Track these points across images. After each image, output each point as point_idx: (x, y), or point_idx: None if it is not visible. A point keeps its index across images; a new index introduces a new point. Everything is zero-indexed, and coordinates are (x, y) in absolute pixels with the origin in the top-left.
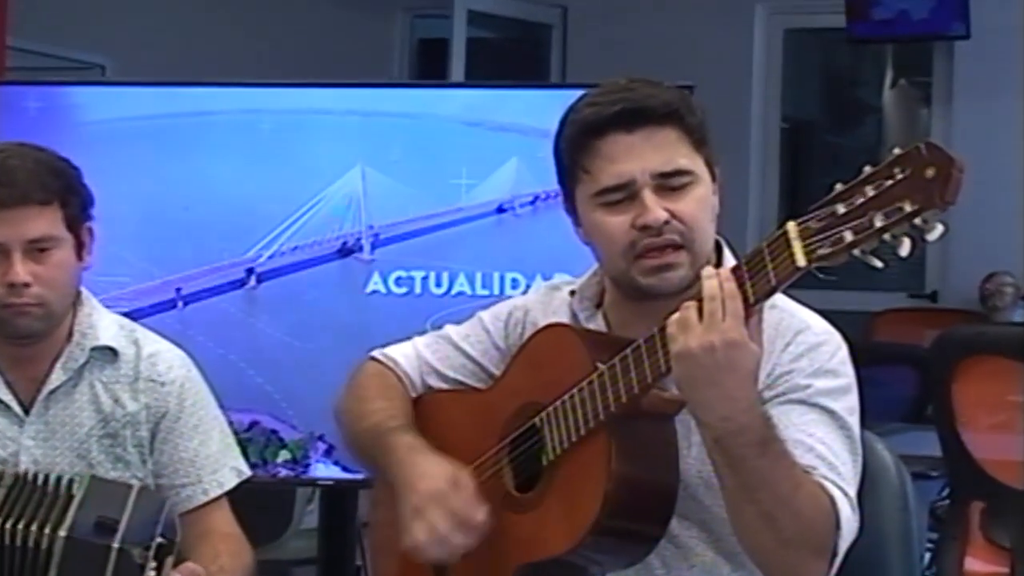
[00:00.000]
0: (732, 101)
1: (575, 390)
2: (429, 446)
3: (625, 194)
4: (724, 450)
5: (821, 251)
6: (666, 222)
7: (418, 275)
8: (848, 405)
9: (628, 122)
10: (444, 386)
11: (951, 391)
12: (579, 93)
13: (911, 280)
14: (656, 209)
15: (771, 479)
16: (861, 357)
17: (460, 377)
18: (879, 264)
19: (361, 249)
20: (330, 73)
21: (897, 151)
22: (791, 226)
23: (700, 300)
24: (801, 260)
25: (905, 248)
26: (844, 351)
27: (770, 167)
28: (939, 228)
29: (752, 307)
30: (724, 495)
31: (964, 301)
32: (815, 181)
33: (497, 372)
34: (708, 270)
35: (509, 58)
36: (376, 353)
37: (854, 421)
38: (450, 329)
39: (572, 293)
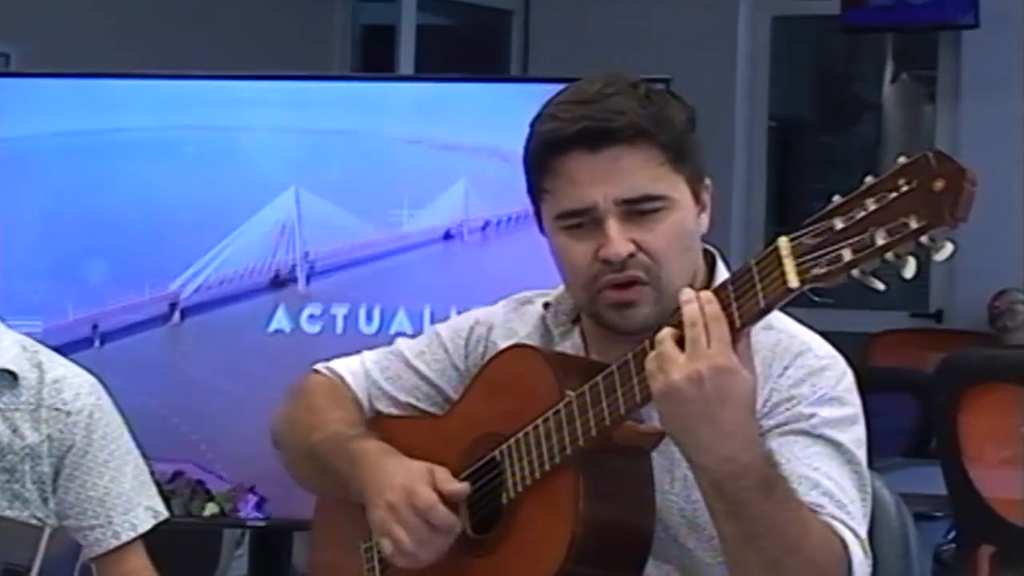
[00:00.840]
0: (713, 97)
1: (540, 421)
2: (397, 451)
3: (587, 219)
4: (724, 495)
5: (816, 271)
6: (631, 255)
7: (340, 311)
8: (856, 437)
9: (591, 141)
10: (394, 411)
11: (957, 422)
12: (542, 88)
13: (913, 298)
14: (618, 241)
15: (777, 524)
16: (858, 384)
17: (413, 401)
18: (880, 286)
19: (296, 280)
20: (262, 64)
21: (902, 160)
22: (783, 242)
23: (678, 326)
24: (794, 281)
25: (910, 269)
26: (850, 377)
27: (756, 171)
28: (948, 247)
29: (739, 331)
30: (723, 543)
31: (972, 321)
32: (806, 187)
33: (455, 395)
34: (686, 292)
35: (464, 48)
36: (320, 366)
37: (862, 455)
38: (403, 345)
39: (547, 306)
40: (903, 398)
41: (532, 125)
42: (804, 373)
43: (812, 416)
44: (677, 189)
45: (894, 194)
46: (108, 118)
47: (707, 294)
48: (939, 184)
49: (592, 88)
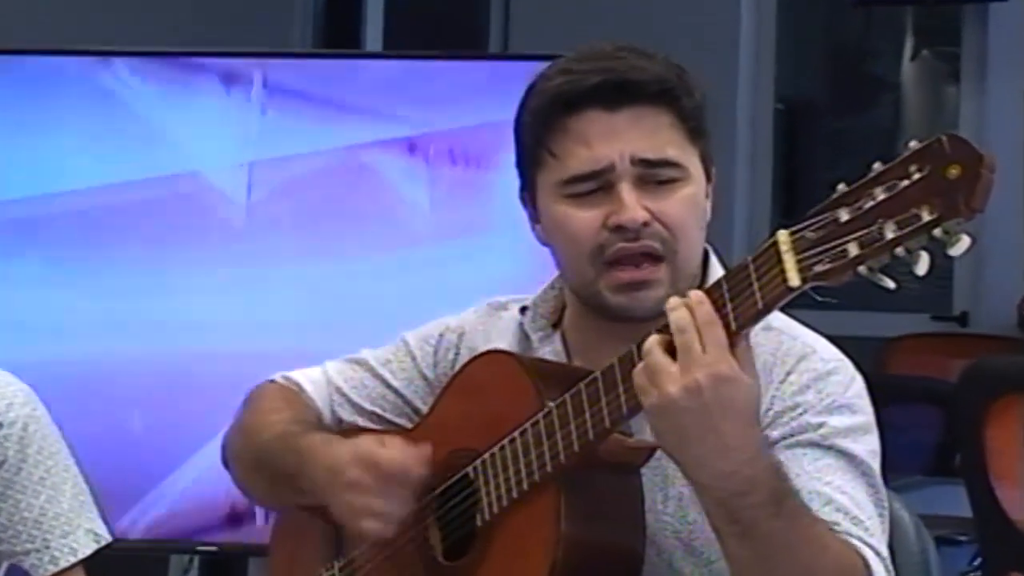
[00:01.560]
0: (714, 77)
1: (517, 434)
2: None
3: (598, 184)
4: (730, 514)
5: (819, 268)
6: (645, 224)
7: None
8: (870, 448)
9: (610, 98)
10: (359, 421)
11: (984, 436)
12: (524, 67)
13: (934, 299)
14: (634, 206)
15: (790, 543)
16: (873, 394)
17: (378, 411)
18: (891, 284)
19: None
20: (215, 41)
21: (914, 144)
22: (782, 236)
23: (666, 331)
24: (794, 279)
25: (922, 265)
26: (860, 383)
27: (761, 159)
28: (965, 241)
29: (736, 334)
30: (731, 566)
31: (1000, 325)
32: (817, 176)
33: (423, 407)
34: (672, 301)
35: (438, 23)
36: (276, 376)
37: (877, 467)
38: (367, 353)
39: (523, 311)
40: (923, 410)
41: (533, 86)
42: (809, 378)
43: (821, 426)
44: (693, 163)
45: (905, 182)
46: (39, 96)
47: (698, 294)
48: (954, 171)
49: (606, 48)
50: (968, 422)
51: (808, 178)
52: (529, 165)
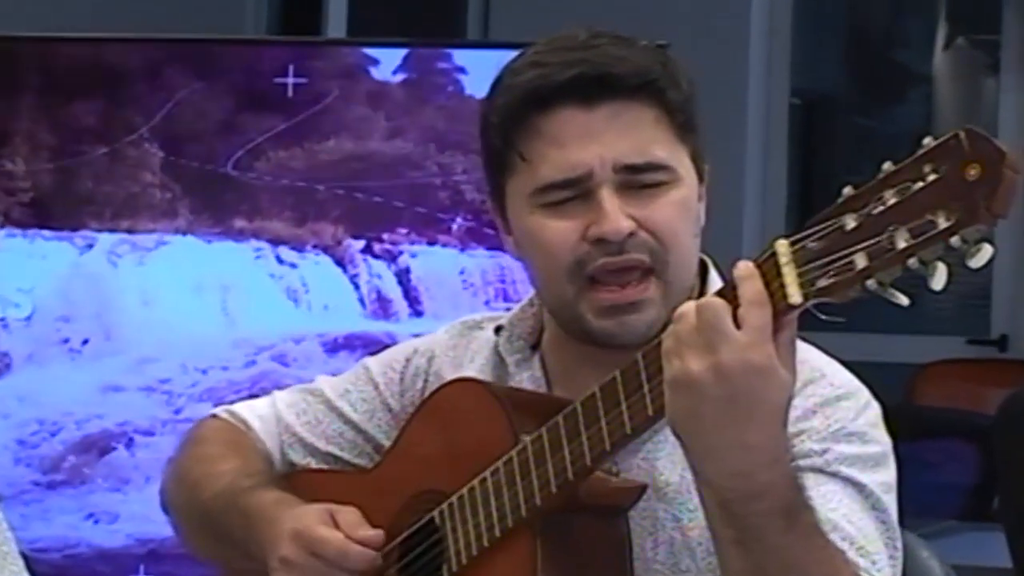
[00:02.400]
0: (722, 68)
1: (488, 473)
2: (303, 501)
3: (576, 192)
4: (734, 519)
5: (822, 282)
6: (630, 234)
7: None
8: (882, 480)
9: (586, 94)
10: (313, 463)
11: None
12: (506, 55)
13: (970, 320)
14: (617, 215)
15: (797, 562)
16: (901, 427)
17: (335, 450)
18: (904, 300)
19: None
20: (159, 27)
21: (928, 141)
22: (781, 247)
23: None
24: (795, 295)
25: (939, 279)
26: (875, 411)
27: (774, 161)
28: (986, 250)
29: (785, 314)
30: None
31: None
32: (837, 180)
33: (388, 443)
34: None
35: (409, 6)
36: (220, 410)
37: (891, 502)
38: (324, 382)
39: (498, 331)
40: (957, 445)
41: (500, 80)
42: (815, 403)
43: (825, 452)
44: (682, 164)
45: (919, 184)
46: None
47: (747, 265)
48: (973, 171)
49: (578, 38)
50: (1008, 460)
51: (827, 183)
52: (497, 170)
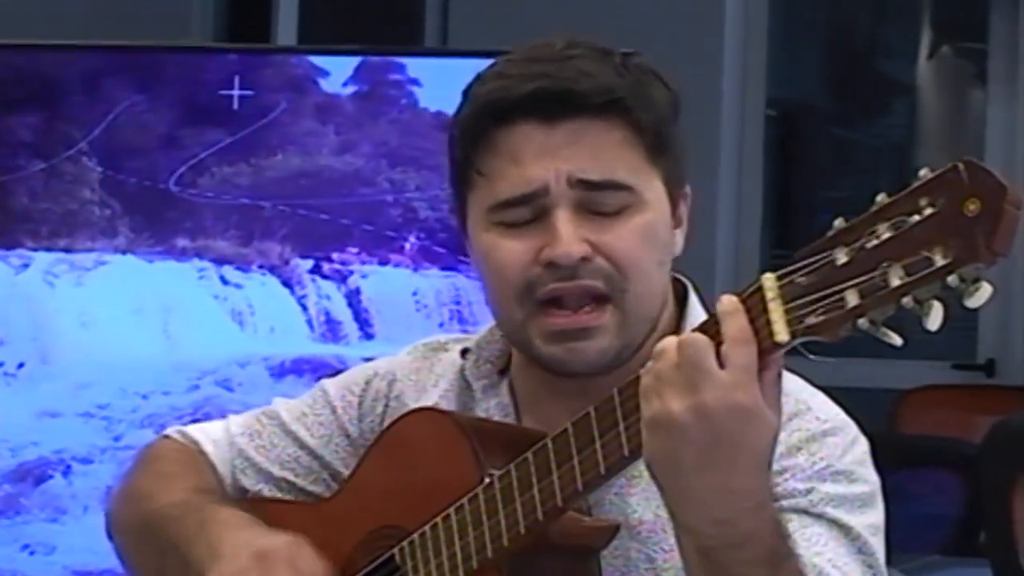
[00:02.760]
0: (693, 78)
1: (452, 510)
2: (255, 522)
3: (531, 211)
4: (715, 568)
5: (811, 320)
6: (584, 259)
7: None
8: (870, 522)
9: (547, 110)
10: (266, 490)
11: (1013, 508)
12: (465, 64)
13: (956, 344)
14: (570, 238)
15: None
16: (883, 456)
17: (289, 476)
18: (897, 341)
19: None
20: (99, 34)
21: (925, 172)
22: (768, 281)
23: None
24: (782, 333)
25: (935, 319)
26: (862, 447)
27: (749, 176)
28: (985, 289)
29: (771, 353)
30: None
31: None
32: (817, 196)
33: (345, 471)
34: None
35: (363, 13)
36: (172, 431)
37: (878, 544)
38: (280, 405)
39: (465, 354)
40: (942, 476)
41: (468, 90)
42: (799, 439)
43: (810, 491)
44: (651, 187)
45: (915, 218)
46: None
47: (731, 300)
48: (972, 206)
49: (553, 47)
50: (995, 491)
51: (805, 199)
52: (460, 184)
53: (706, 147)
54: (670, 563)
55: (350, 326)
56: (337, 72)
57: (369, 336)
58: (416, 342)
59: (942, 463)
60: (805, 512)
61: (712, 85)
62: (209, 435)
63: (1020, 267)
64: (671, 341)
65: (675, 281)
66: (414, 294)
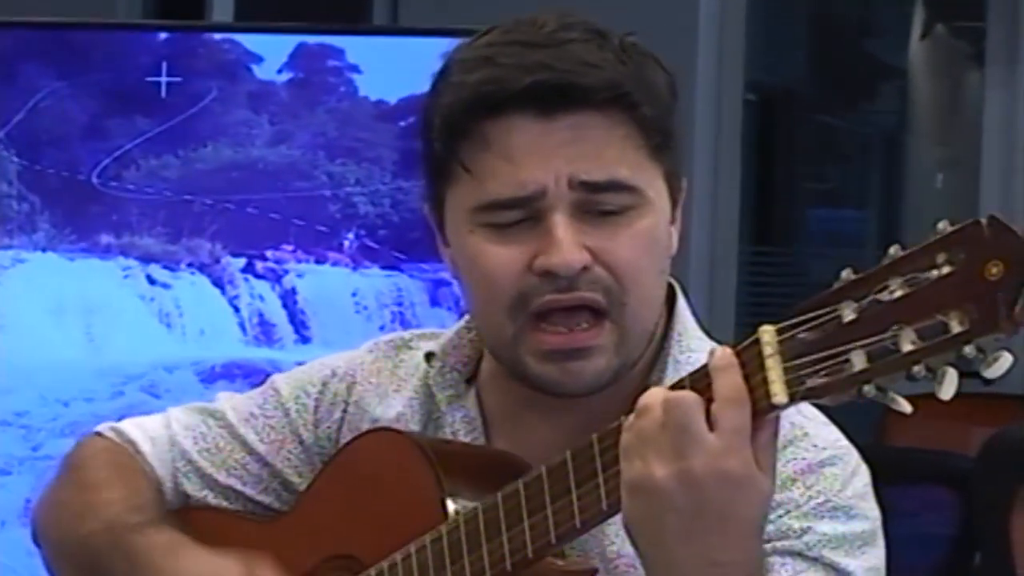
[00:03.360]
0: (665, 57)
1: (414, 549)
2: (198, 543)
3: (525, 213)
4: None
5: (812, 381)
6: (584, 268)
7: None
8: (871, 565)
9: (545, 104)
10: (211, 497)
11: (1011, 527)
12: (416, 43)
13: None
14: (570, 246)
15: None
16: (872, 471)
17: (236, 484)
18: (907, 408)
19: None
20: (21, 10)
21: (944, 226)
22: (767, 336)
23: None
24: (780, 395)
25: (948, 388)
26: (864, 477)
27: (726, 165)
28: (1006, 359)
29: (767, 414)
30: None
31: None
32: (800, 187)
33: (297, 480)
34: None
35: None
36: (104, 427)
37: None
38: (225, 402)
39: (429, 357)
40: (936, 492)
41: (446, 72)
42: (796, 469)
43: (806, 531)
44: (653, 186)
45: (933, 274)
46: None
47: (726, 354)
48: (995, 269)
49: (544, 28)
50: (991, 509)
51: (787, 191)
52: (437, 177)
53: (679, 133)
54: None
55: (285, 329)
56: (272, 57)
57: (305, 339)
58: (378, 339)
59: (935, 478)
60: (800, 555)
61: (686, 66)
62: (147, 432)
63: None
64: (656, 397)
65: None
66: (353, 295)
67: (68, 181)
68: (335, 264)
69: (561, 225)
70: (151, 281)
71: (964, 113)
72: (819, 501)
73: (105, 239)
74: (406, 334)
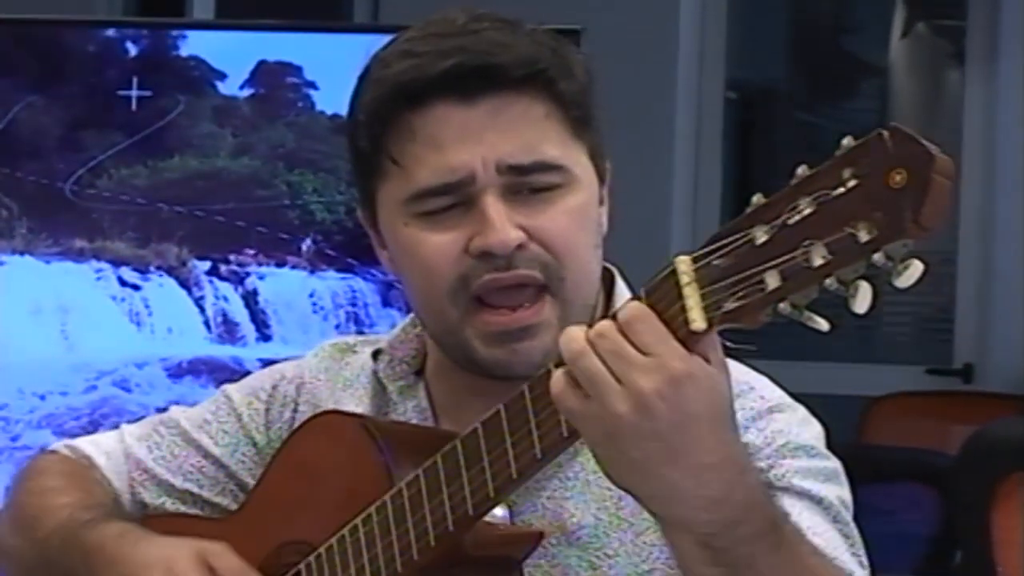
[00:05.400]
0: (647, 56)
1: (359, 521)
2: (150, 531)
3: (456, 199)
4: (720, 555)
5: (729, 305)
6: (520, 247)
7: None
8: (839, 495)
9: (465, 87)
10: (167, 504)
11: (991, 524)
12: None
13: (931, 347)
14: (504, 225)
15: None
16: (850, 469)
17: (193, 488)
18: (824, 325)
19: None
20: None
21: (848, 142)
22: (683, 264)
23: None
24: (698, 321)
25: (862, 301)
26: (818, 428)
27: (707, 162)
28: (915, 268)
29: (687, 343)
30: None
31: (1012, 382)
32: (779, 184)
33: (252, 481)
34: (566, 333)
35: None
36: (58, 446)
37: (849, 518)
38: (179, 413)
39: (376, 356)
40: (915, 490)
41: (367, 72)
42: (745, 418)
43: (770, 468)
44: (579, 163)
45: (839, 190)
46: None
47: (636, 304)
48: (898, 176)
49: (455, 23)
50: (971, 507)
51: (767, 189)
52: (366, 175)
53: (660, 132)
54: (615, 569)
55: (247, 327)
56: (235, 74)
57: (266, 337)
58: (322, 343)
59: (915, 476)
60: (770, 486)
61: (666, 64)
62: (101, 447)
63: (999, 265)
64: (578, 338)
65: (602, 269)
66: (311, 296)
67: (45, 189)
68: (294, 267)
69: (493, 206)
70: (122, 283)
71: (945, 111)
72: (780, 443)
73: (79, 243)
74: (350, 339)
